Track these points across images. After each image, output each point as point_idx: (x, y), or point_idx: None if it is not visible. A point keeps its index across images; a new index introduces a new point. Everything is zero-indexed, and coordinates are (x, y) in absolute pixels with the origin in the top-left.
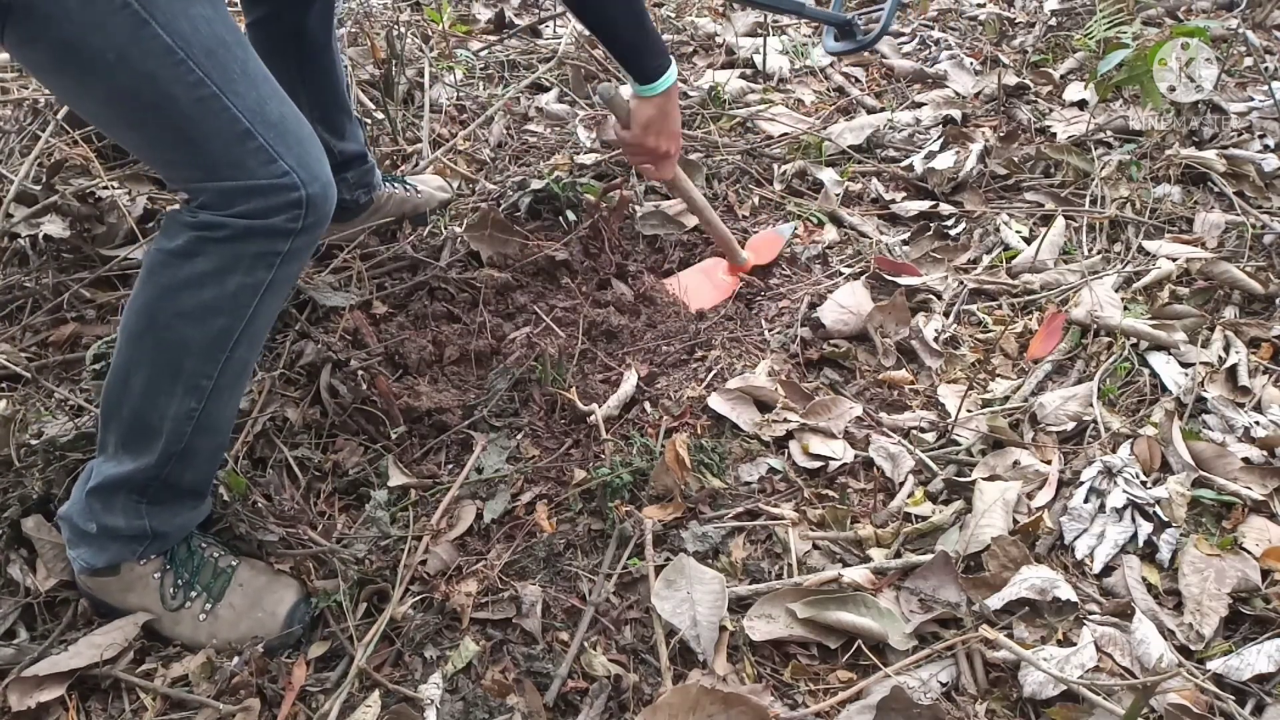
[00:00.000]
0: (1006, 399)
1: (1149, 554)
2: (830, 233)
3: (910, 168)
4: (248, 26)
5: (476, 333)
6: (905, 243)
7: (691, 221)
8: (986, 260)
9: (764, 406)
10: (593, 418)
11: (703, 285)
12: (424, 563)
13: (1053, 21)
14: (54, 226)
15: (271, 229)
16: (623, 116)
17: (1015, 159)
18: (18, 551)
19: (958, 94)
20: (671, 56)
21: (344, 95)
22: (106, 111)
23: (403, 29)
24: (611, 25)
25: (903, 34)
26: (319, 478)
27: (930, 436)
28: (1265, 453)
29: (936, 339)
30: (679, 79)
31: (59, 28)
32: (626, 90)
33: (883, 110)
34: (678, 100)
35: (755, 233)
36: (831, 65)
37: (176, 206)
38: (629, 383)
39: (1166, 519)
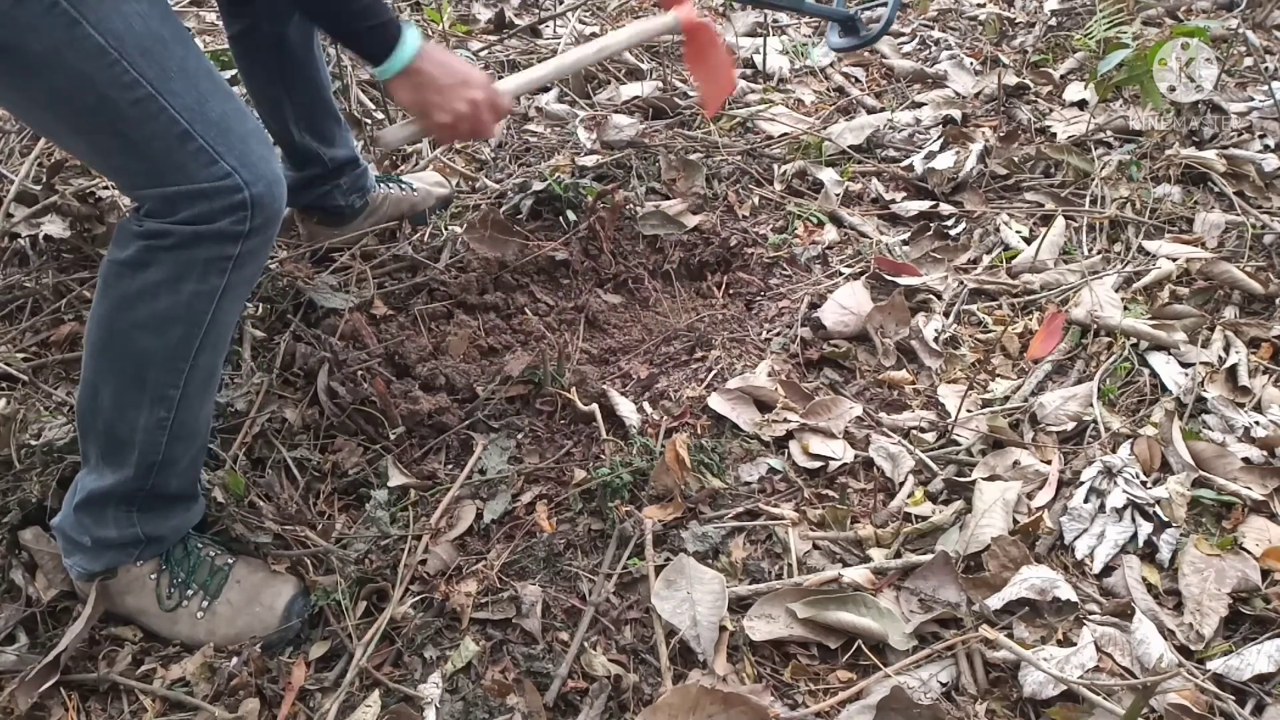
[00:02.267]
0: (1006, 399)
1: (1149, 554)
2: (830, 233)
3: (910, 168)
4: (229, 40)
5: (475, 334)
6: (905, 243)
7: (691, 221)
8: (986, 260)
9: (764, 406)
10: (628, 421)
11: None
12: (424, 563)
13: (1053, 21)
14: (54, 226)
15: (219, 233)
16: (416, 133)
17: (1015, 159)
18: (18, 557)
19: (958, 94)
20: (404, 24)
21: (330, 102)
22: (50, 117)
23: None
24: (318, 6)
25: (903, 34)
26: (318, 478)
27: (930, 436)
28: (1265, 453)
29: (936, 339)
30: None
31: None
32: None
33: (883, 110)
34: (438, 62)
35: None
36: (831, 65)
37: (126, 215)
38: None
39: (1166, 519)
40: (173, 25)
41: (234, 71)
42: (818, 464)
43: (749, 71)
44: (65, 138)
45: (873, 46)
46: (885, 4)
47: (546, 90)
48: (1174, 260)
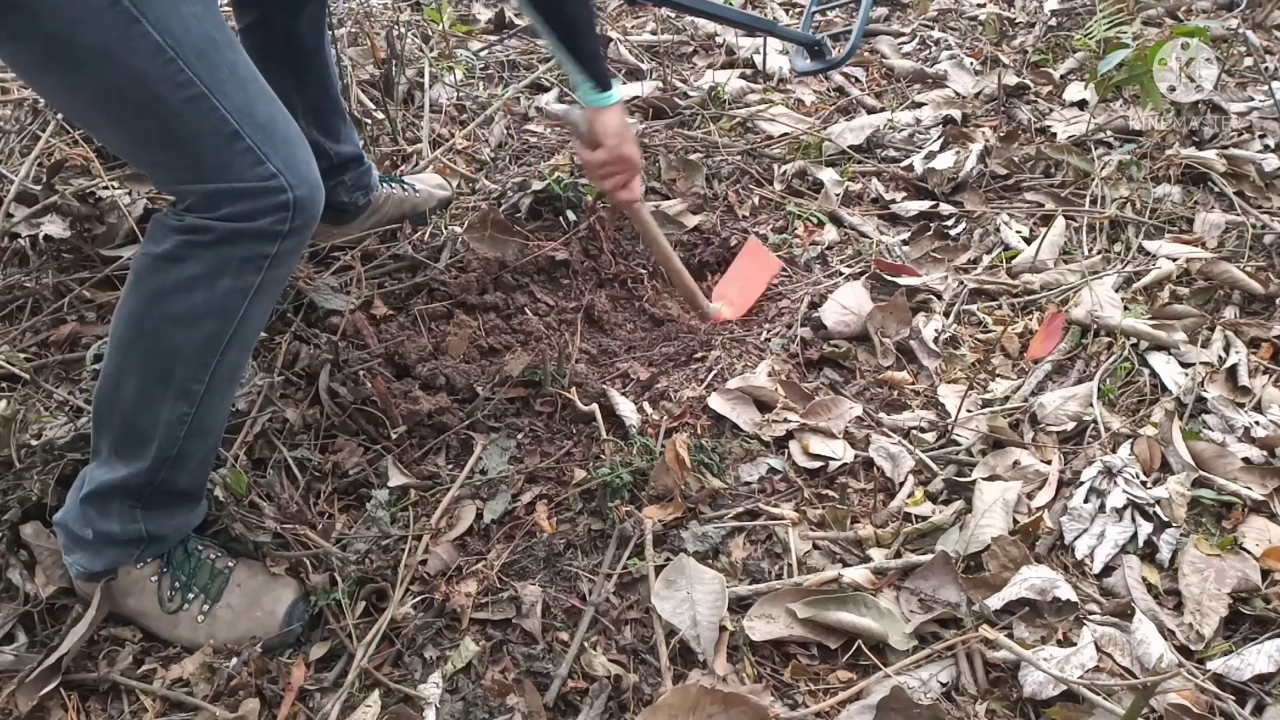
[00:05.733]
0: (1006, 399)
1: (1149, 554)
2: (830, 233)
3: (910, 168)
4: (239, 32)
5: (475, 334)
6: (905, 243)
7: (691, 221)
8: (986, 260)
9: (764, 406)
10: (628, 421)
11: (744, 289)
12: (424, 563)
13: (1053, 21)
14: (54, 226)
15: (258, 232)
16: (587, 136)
17: (1015, 159)
18: (17, 555)
19: (958, 94)
20: None
21: (338, 98)
22: (93, 110)
23: (403, 29)
24: (576, 23)
25: (903, 34)
26: (318, 478)
27: (930, 436)
28: (1265, 453)
29: (936, 339)
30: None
31: (47, 23)
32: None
33: (883, 110)
34: None
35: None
36: None
37: (163, 210)
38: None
39: (1166, 519)
40: (223, 30)
41: None
42: (818, 464)
43: (749, 71)
44: (107, 130)
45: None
46: (850, 31)
47: (546, 90)
48: (1174, 260)
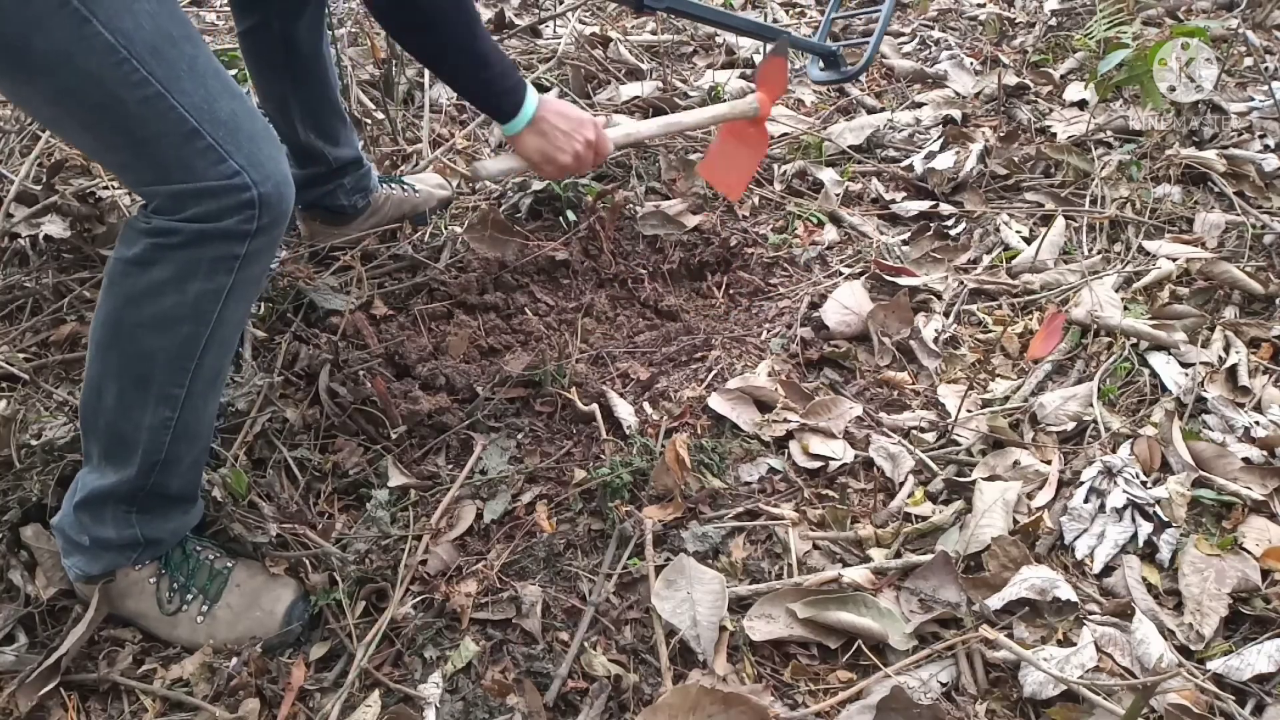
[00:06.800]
0: (1006, 399)
1: (1149, 554)
2: (830, 233)
3: (910, 168)
4: (238, 36)
5: (475, 334)
6: (905, 243)
7: (691, 221)
8: (986, 260)
9: (764, 406)
10: (625, 423)
11: (733, 161)
12: (424, 563)
13: (1053, 21)
14: (54, 226)
15: (225, 232)
16: (519, 168)
17: (1015, 159)
18: (18, 556)
19: (958, 94)
20: (525, 81)
21: (337, 102)
22: (55, 112)
23: None
24: (452, 72)
25: (903, 34)
26: (318, 478)
27: (930, 436)
28: (1265, 453)
29: (936, 339)
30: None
31: (1, 28)
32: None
33: (883, 110)
34: (556, 112)
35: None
36: None
37: (133, 213)
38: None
39: (1166, 519)
40: (182, 24)
41: (239, 69)
42: (818, 464)
43: (749, 71)
44: (72, 133)
45: (855, 79)
46: (866, 42)
47: (546, 90)
48: (1174, 260)
